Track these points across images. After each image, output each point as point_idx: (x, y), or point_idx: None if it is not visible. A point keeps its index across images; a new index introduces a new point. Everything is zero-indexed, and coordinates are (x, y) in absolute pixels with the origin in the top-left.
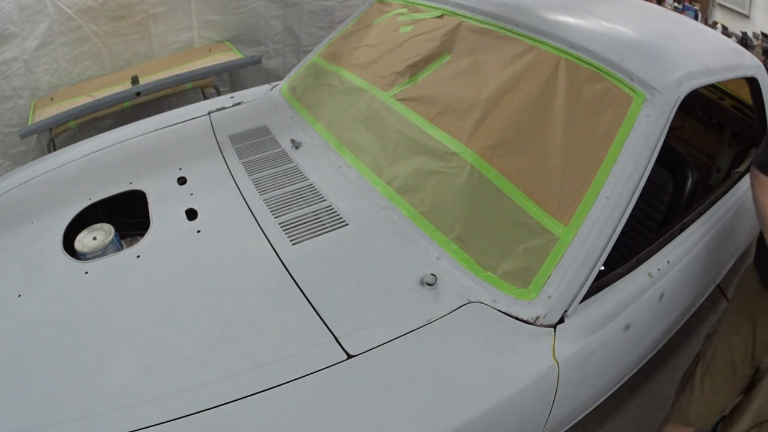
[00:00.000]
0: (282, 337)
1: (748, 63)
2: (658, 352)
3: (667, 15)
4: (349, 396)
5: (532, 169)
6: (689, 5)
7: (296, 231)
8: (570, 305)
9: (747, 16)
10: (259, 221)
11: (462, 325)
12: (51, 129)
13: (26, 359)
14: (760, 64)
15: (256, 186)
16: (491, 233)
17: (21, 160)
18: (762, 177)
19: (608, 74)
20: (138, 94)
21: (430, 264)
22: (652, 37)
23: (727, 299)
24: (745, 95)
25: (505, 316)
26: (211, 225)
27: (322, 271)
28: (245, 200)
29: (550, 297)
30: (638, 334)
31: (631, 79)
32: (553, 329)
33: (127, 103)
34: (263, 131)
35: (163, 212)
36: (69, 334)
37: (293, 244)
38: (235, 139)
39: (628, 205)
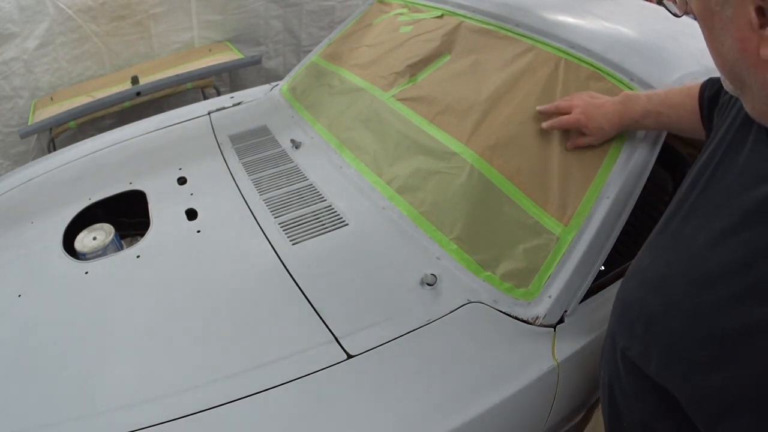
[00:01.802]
0: (282, 337)
1: None
2: None
3: (667, 15)
4: (349, 396)
5: (532, 169)
6: None
7: (296, 231)
8: (570, 305)
9: None
10: (259, 221)
11: (462, 325)
12: (51, 129)
13: (26, 359)
14: None
15: (256, 186)
16: (491, 233)
17: (21, 160)
18: (695, 101)
19: (608, 74)
20: (138, 94)
21: (430, 264)
22: (652, 37)
23: None
24: None
25: (505, 316)
26: (211, 225)
27: (322, 271)
28: (245, 200)
29: (550, 297)
30: None
31: (631, 79)
32: (553, 329)
33: (127, 103)
34: (263, 131)
35: (163, 212)
36: (69, 334)
37: (293, 244)
38: (235, 139)
39: (628, 205)
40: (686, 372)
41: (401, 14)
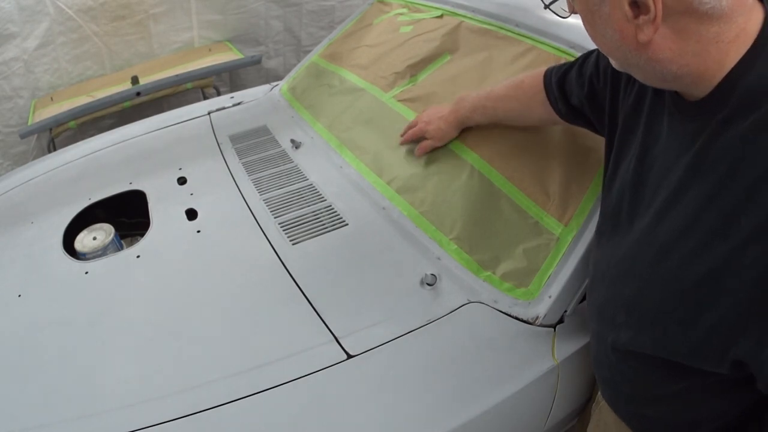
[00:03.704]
0: (282, 337)
1: None
2: None
3: None
4: (349, 396)
5: (533, 169)
6: None
7: (296, 231)
8: (570, 305)
9: None
10: (259, 221)
11: (462, 325)
12: (51, 129)
13: (26, 359)
14: None
15: (256, 186)
16: (491, 233)
17: (21, 160)
18: (527, 90)
19: None
20: (138, 94)
21: (430, 264)
22: None
23: None
24: None
25: (505, 316)
26: (211, 225)
27: (322, 271)
28: (245, 200)
29: (550, 297)
30: None
31: None
32: (553, 329)
33: (127, 103)
34: (263, 131)
35: (163, 212)
36: (69, 334)
37: (293, 244)
38: (235, 139)
39: None
40: (679, 331)
41: (401, 14)
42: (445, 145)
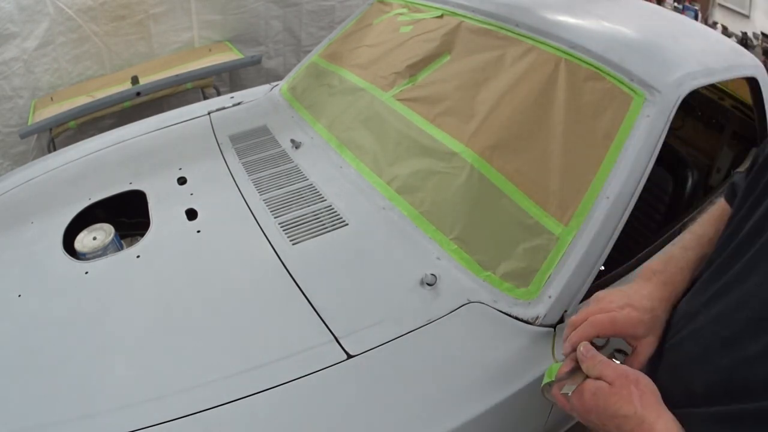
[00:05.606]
0: (282, 337)
1: (748, 63)
2: None
3: (667, 15)
4: (349, 396)
5: (532, 169)
6: (689, 5)
7: (296, 231)
8: (570, 305)
9: (747, 16)
10: (259, 221)
11: (462, 325)
12: (51, 129)
13: (26, 359)
14: (760, 64)
15: (256, 186)
16: (491, 233)
17: (21, 160)
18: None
19: (608, 74)
20: (138, 94)
21: (430, 264)
22: (652, 37)
23: None
24: (745, 95)
25: (505, 316)
26: (211, 225)
27: (322, 271)
28: (245, 200)
29: (550, 297)
30: None
31: (631, 79)
32: (553, 329)
33: (127, 103)
34: (263, 131)
35: (163, 212)
36: (69, 334)
37: (293, 244)
38: (235, 139)
39: (628, 205)
40: None
41: (401, 14)
42: (446, 146)
